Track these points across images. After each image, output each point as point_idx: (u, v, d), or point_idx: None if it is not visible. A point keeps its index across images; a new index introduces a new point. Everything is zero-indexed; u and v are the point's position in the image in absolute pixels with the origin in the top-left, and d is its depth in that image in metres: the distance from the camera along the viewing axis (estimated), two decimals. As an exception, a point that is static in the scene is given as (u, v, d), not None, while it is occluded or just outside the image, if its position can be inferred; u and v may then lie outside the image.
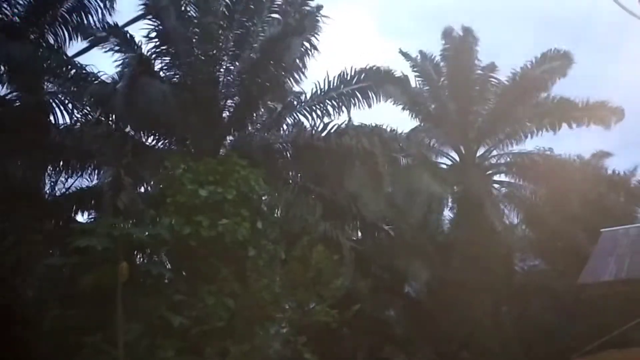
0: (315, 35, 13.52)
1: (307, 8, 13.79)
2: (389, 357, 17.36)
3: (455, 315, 15.80)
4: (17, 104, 12.31)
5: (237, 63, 14.15)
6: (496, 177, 19.90)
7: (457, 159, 19.80)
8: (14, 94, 12.64)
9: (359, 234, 15.41)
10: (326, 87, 14.12)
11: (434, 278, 16.00)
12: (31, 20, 12.92)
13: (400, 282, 17.75)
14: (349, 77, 14.06)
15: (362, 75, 14.04)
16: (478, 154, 19.69)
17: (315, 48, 13.62)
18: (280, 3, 14.53)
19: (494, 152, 19.73)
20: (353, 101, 14.02)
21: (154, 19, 13.78)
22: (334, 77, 14.06)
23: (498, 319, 16.23)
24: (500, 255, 16.73)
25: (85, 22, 13.28)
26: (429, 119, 19.78)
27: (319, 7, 13.59)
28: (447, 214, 18.89)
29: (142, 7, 13.68)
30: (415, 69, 20.01)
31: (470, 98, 19.58)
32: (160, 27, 13.73)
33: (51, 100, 12.49)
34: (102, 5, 13.27)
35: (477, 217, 16.72)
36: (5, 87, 12.67)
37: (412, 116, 19.53)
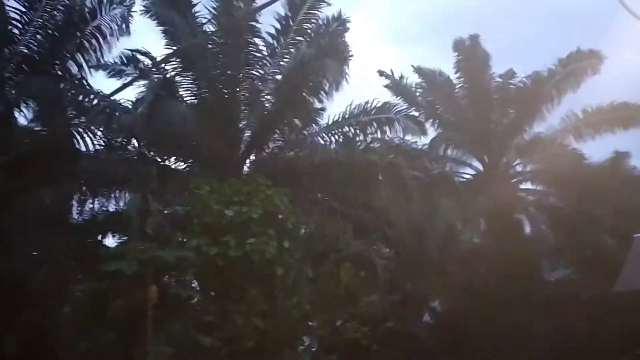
0: (348, 59, 13.77)
1: (335, 28, 14.03)
2: (420, 373, 17.14)
3: (485, 327, 15.55)
4: (45, 135, 12.59)
5: (259, 83, 14.32)
6: (522, 186, 19.66)
7: (481, 168, 19.64)
8: (42, 125, 12.95)
9: (386, 249, 15.37)
10: (347, 114, 14.30)
11: (461, 291, 15.80)
12: (52, 53, 13.23)
13: (427, 296, 17.58)
14: (368, 109, 14.32)
15: (382, 108, 14.41)
16: (502, 162, 19.48)
17: (347, 72, 14.04)
18: (306, 25, 14.73)
19: (518, 160, 19.51)
20: (371, 130, 14.21)
21: (172, 41, 14.04)
22: (356, 106, 14.42)
23: (530, 330, 15.90)
24: (529, 265, 16.46)
25: (103, 48, 13.51)
26: (448, 130, 19.69)
27: (345, 20, 13.89)
28: (473, 224, 18.65)
29: (161, 29, 13.94)
30: (425, 82, 19.93)
31: (490, 107, 19.45)
32: (179, 49, 13.98)
33: (77, 129, 12.76)
34: (117, 29, 13.47)
35: (504, 226, 16.51)
36: (33, 119, 12.99)
37: (432, 127, 19.47)
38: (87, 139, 12.84)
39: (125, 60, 13.81)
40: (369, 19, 30.95)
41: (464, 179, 19.55)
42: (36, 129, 12.88)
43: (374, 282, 12.38)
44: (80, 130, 12.64)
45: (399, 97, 18.71)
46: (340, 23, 14.72)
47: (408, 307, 16.03)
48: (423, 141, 17.29)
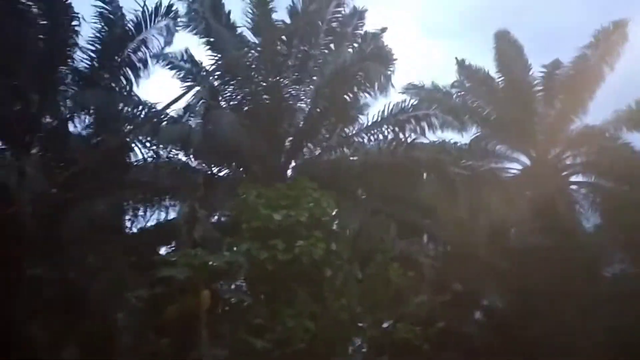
0: (391, 64, 13.91)
1: (369, 32, 14.06)
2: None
3: (539, 325, 15.18)
4: (99, 146, 13.07)
5: (299, 87, 14.47)
6: (573, 178, 19.10)
7: (528, 162, 19.19)
8: (96, 137, 13.45)
9: (432, 248, 15.21)
10: (386, 113, 14.32)
11: (513, 288, 15.47)
12: (102, 66, 13.73)
13: (477, 295, 17.29)
14: (406, 108, 14.32)
15: (418, 105, 14.47)
16: (550, 155, 18.99)
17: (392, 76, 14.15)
18: (336, 27, 14.84)
19: (568, 153, 18.97)
20: (410, 127, 14.13)
21: (215, 51, 14.34)
22: (394, 105, 14.40)
23: (584, 327, 15.42)
24: (584, 261, 15.97)
25: (148, 59, 13.94)
26: (492, 126, 19.33)
27: (384, 29, 14.15)
28: (523, 220, 18.24)
29: (202, 40, 14.26)
30: (466, 77, 19.62)
31: (534, 99, 19.01)
32: (222, 59, 14.27)
33: (128, 140, 13.19)
34: (161, 40, 13.85)
35: (555, 221, 16.08)
36: (86, 131, 13.51)
37: (472, 124, 19.14)
38: (137, 150, 13.25)
39: (185, 57, 14.20)
40: (403, 12, 30.76)
41: (511, 175, 19.15)
42: (91, 141, 13.36)
43: (423, 282, 12.27)
44: (131, 140, 13.04)
45: (438, 95, 18.53)
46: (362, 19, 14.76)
47: (458, 306, 15.81)
48: (466, 139, 17.15)
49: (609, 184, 18.28)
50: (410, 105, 14.37)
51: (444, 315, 13.11)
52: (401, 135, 14.10)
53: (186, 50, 14.49)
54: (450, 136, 15.81)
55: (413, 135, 14.23)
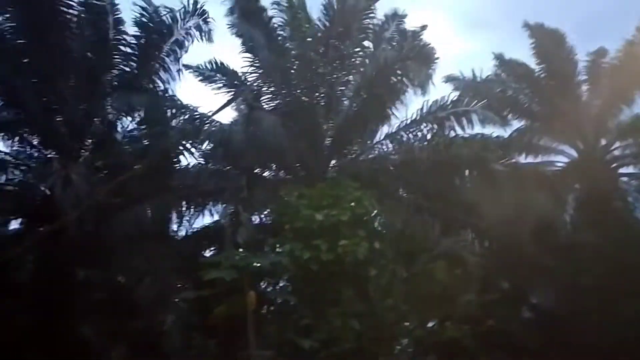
0: (432, 62, 13.88)
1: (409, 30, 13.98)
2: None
3: (592, 323, 14.66)
4: (145, 150, 13.31)
5: (337, 87, 14.45)
6: (623, 170, 18.41)
7: (575, 155, 18.61)
8: (141, 140, 13.72)
9: (477, 245, 14.93)
10: (425, 111, 14.16)
11: (563, 285, 14.99)
12: (142, 71, 13.97)
13: (525, 293, 16.85)
14: (445, 104, 14.12)
15: (458, 101, 14.20)
16: (598, 146, 18.35)
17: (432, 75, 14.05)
18: (374, 26, 14.77)
19: (617, 143, 18.29)
20: (449, 124, 13.95)
21: (252, 54, 14.44)
22: (433, 102, 14.22)
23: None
24: (637, 256, 15.36)
25: (180, 61, 14.04)
26: (533, 119, 18.83)
27: (424, 27, 14.06)
28: (571, 215, 17.71)
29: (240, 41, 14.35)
30: (503, 70, 19.15)
31: (578, 89, 18.42)
32: (261, 62, 14.36)
33: (173, 143, 13.37)
34: (196, 37, 13.81)
35: (605, 214, 15.52)
36: (131, 135, 13.77)
37: (514, 117, 18.68)
38: (181, 153, 13.39)
39: (214, 67, 14.36)
40: (437, 5, 30.25)
41: (557, 168, 18.61)
42: (137, 145, 13.61)
43: (469, 280, 12.05)
44: (175, 144, 13.21)
45: (477, 89, 18.15)
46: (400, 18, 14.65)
47: (506, 304, 15.45)
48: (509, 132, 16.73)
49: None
50: (450, 101, 14.16)
51: (491, 314, 12.86)
52: (442, 132, 13.89)
53: (216, 62, 14.51)
54: (492, 130, 15.48)
55: (453, 133, 14.04)
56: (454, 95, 14.81)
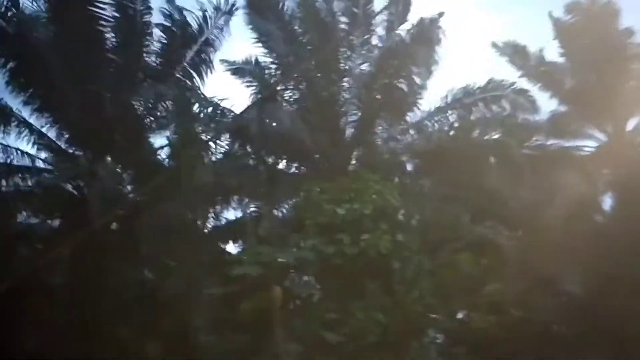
0: (438, 46, 13.66)
1: (425, 17, 13.78)
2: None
3: (626, 311, 14.30)
4: (171, 146, 13.44)
5: (351, 80, 14.34)
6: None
7: (604, 139, 18.11)
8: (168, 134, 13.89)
9: (506, 232, 14.69)
10: (450, 99, 13.95)
11: (593, 274, 14.65)
12: (169, 65, 14.03)
13: (556, 280, 16.53)
14: (471, 90, 13.97)
15: (485, 87, 13.97)
16: (628, 130, 17.83)
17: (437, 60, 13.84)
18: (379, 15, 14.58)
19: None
20: (477, 110, 13.84)
21: (269, 49, 14.40)
22: (458, 90, 14.09)
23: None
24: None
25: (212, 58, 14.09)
26: (567, 99, 18.32)
27: (441, 14, 13.77)
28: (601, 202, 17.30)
29: (254, 39, 14.33)
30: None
31: (613, 69, 17.86)
32: (275, 54, 14.31)
33: (199, 138, 13.45)
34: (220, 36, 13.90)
35: (637, 200, 15.07)
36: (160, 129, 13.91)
37: (550, 96, 18.20)
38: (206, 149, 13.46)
39: (247, 61, 14.37)
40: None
41: (587, 152, 18.15)
42: (167, 139, 13.70)
43: (498, 268, 11.88)
44: (201, 138, 13.30)
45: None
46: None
47: (536, 292, 15.20)
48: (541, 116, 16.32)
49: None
50: (477, 87, 13.91)
51: (521, 303, 12.66)
52: (469, 118, 13.71)
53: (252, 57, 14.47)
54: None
55: (481, 118, 13.80)
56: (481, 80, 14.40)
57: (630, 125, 17.82)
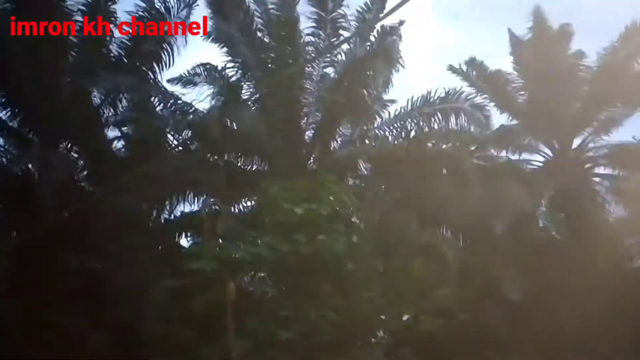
0: (399, 56, 13.91)
1: (386, 25, 14.07)
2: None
3: (561, 319, 15.06)
4: (130, 137, 13.24)
5: (313, 83, 14.53)
6: (596, 170, 18.89)
7: (551, 154, 19.01)
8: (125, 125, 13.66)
9: (453, 240, 15.20)
10: (409, 107, 14.28)
11: (534, 283, 15.36)
12: (129, 56, 13.84)
13: (497, 289, 17.21)
14: (431, 100, 14.25)
15: (445, 98, 14.30)
16: (573, 147, 18.79)
17: (398, 67, 14.09)
18: (341, 20, 14.81)
19: (591, 145, 18.76)
20: (435, 120, 14.15)
21: (230, 50, 14.38)
22: (417, 98, 14.37)
23: (610, 323, 15.26)
24: (608, 255, 15.80)
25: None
26: (518, 114, 19.14)
27: (402, 22, 14.04)
28: (544, 215, 18.13)
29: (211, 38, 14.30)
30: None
31: (561, 88, 18.79)
32: (236, 55, 14.31)
33: (156, 130, 13.32)
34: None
35: (578, 215, 15.92)
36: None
37: (500, 112, 18.98)
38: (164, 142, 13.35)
39: (196, 71, 14.26)
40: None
41: (534, 166, 18.99)
42: (124, 131, 13.49)
43: (445, 274, 12.30)
44: (158, 132, 13.17)
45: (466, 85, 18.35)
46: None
47: (480, 298, 15.78)
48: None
49: (632, 175, 18.03)
50: (437, 97, 14.29)
51: (466, 308, 13.13)
52: (426, 129, 14.08)
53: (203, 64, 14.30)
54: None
55: (435, 128, 14.21)
56: (442, 90, 14.83)
57: (575, 143, 18.82)
